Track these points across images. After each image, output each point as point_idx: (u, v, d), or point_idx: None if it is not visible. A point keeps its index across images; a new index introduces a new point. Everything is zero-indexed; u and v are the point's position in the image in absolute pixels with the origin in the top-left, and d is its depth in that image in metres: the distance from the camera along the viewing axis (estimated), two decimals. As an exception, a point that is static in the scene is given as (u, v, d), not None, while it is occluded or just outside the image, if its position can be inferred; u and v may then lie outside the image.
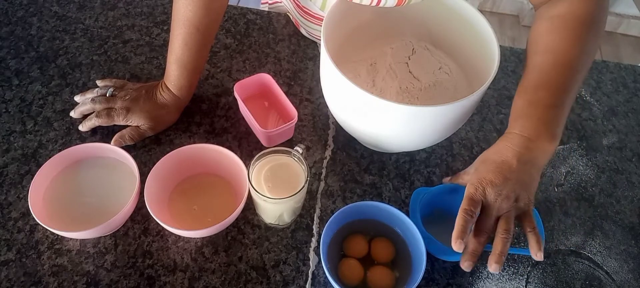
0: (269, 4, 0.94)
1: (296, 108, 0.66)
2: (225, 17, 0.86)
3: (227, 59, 0.80)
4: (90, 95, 0.68)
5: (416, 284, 0.51)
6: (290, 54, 0.81)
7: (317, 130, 0.71)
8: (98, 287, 0.54)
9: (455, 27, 0.67)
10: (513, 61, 0.86)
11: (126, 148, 0.63)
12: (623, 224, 0.66)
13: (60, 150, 0.59)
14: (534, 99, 0.54)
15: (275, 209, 0.56)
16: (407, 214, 0.57)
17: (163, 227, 0.57)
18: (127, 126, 0.66)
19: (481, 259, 0.53)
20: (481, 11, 0.66)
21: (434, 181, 0.67)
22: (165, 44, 0.80)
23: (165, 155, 0.58)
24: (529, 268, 0.60)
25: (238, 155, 0.58)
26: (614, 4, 2.34)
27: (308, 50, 0.82)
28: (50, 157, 0.58)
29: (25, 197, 0.60)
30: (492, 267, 0.49)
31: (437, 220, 0.61)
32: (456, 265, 0.59)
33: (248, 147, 0.68)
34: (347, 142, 0.70)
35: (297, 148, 0.56)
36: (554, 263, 0.61)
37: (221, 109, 0.72)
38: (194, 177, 0.62)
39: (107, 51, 0.78)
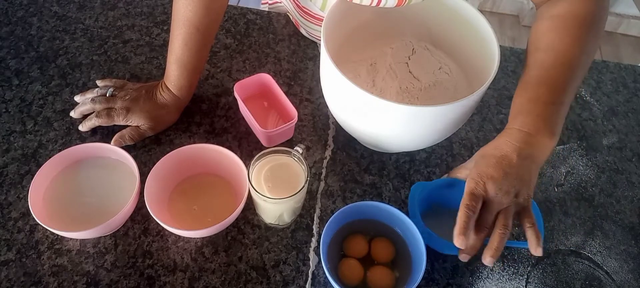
0: (269, 4, 0.94)
1: (296, 108, 0.66)
2: (225, 17, 0.86)
3: (227, 59, 0.80)
4: (90, 95, 0.68)
5: (416, 284, 0.51)
6: (290, 54, 0.81)
7: (317, 130, 0.71)
8: (98, 287, 0.54)
9: (455, 27, 0.67)
10: (513, 61, 0.86)
11: (126, 148, 0.63)
12: (623, 224, 0.66)
13: (60, 150, 0.59)
14: (534, 96, 0.54)
15: (275, 209, 0.56)
16: (407, 213, 0.57)
17: (163, 227, 0.57)
18: (127, 126, 0.66)
19: (480, 259, 0.53)
20: (481, 11, 0.66)
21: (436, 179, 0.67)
22: (165, 44, 0.80)
23: (165, 155, 0.58)
24: (529, 268, 0.60)
25: (238, 155, 0.58)
26: (614, 4, 2.34)
27: (308, 50, 0.82)
28: (50, 157, 0.58)
29: (25, 197, 0.60)
30: (487, 260, 0.50)
31: (435, 214, 0.61)
32: (456, 265, 0.60)
33: (248, 147, 0.68)
34: (347, 142, 0.70)
35: (297, 148, 0.56)
36: (554, 263, 0.61)
37: (221, 109, 0.72)
38: (194, 177, 0.62)
39: (107, 51, 0.78)
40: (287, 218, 0.59)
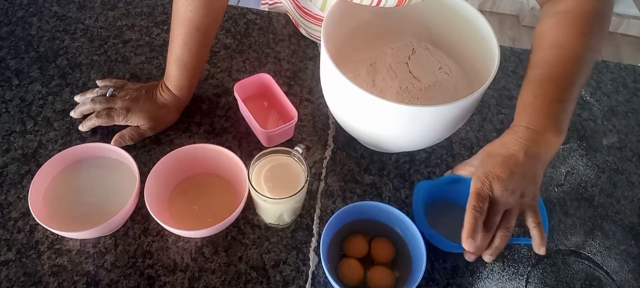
0: (269, 4, 0.94)
1: (296, 108, 0.66)
2: (225, 17, 0.86)
3: (227, 59, 0.80)
4: (90, 95, 0.68)
5: (416, 284, 0.51)
6: (290, 54, 0.81)
7: (317, 130, 0.71)
8: (98, 287, 0.54)
9: (455, 27, 0.67)
10: (513, 61, 0.86)
11: (126, 148, 0.63)
12: (623, 224, 0.66)
13: (60, 150, 0.59)
14: (539, 93, 0.53)
15: (275, 209, 0.56)
16: (408, 214, 0.57)
17: (163, 227, 0.57)
18: (127, 126, 0.66)
19: (481, 258, 0.53)
20: (481, 11, 0.66)
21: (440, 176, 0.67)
22: (165, 44, 0.80)
23: (165, 155, 0.58)
24: (529, 268, 0.60)
25: (238, 155, 0.58)
26: (614, 4, 2.34)
27: (308, 50, 0.82)
28: (50, 157, 0.58)
29: (25, 197, 0.60)
30: (486, 257, 0.51)
31: (440, 211, 0.61)
32: (456, 265, 0.59)
33: (248, 147, 0.68)
34: (347, 142, 0.70)
35: (297, 148, 0.56)
36: (554, 263, 0.61)
37: (221, 109, 0.72)
38: (194, 177, 0.62)
39: (107, 51, 0.78)
40: (287, 218, 0.59)
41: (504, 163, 0.51)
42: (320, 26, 0.60)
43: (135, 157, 0.60)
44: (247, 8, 0.89)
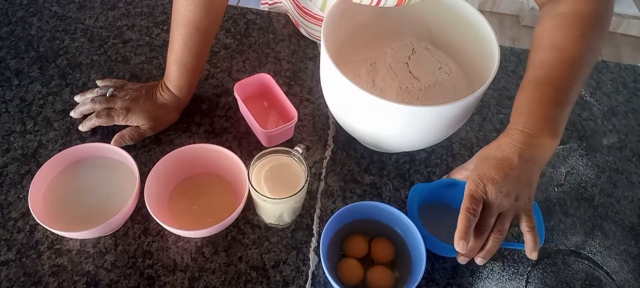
0: (269, 4, 0.94)
1: (296, 108, 0.66)
2: (225, 17, 0.86)
3: (227, 59, 0.80)
4: (90, 95, 0.68)
5: (416, 284, 0.51)
6: (290, 54, 0.81)
7: (317, 130, 0.71)
8: (98, 287, 0.54)
9: (455, 27, 0.67)
10: (513, 61, 0.86)
11: (126, 148, 0.63)
12: (623, 224, 0.66)
13: (60, 150, 0.59)
14: (536, 96, 0.53)
15: (275, 209, 0.56)
16: (407, 213, 0.57)
17: (163, 227, 0.57)
18: (127, 126, 0.66)
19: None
20: (481, 11, 0.66)
21: (434, 181, 0.67)
22: (165, 44, 0.80)
23: (165, 155, 0.58)
24: (529, 268, 0.60)
25: (238, 155, 0.58)
26: (614, 5, 2.34)
27: (308, 50, 0.82)
28: (50, 157, 0.58)
29: (25, 197, 0.60)
30: (477, 260, 0.51)
31: (436, 214, 0.61)
32: (456, 265, 0.59)
33: (248, 147, 0.68)
34: (347, 142, 0.70)
35: (297, 148, 0.56)
36: (554, 263, 0.61)
37: (221, 109, 0.72)
38: (194, 177, 0.62)
39: (107, 51, 0.78)
40: (287, 218, 0.59)
41: (498, 166, 0.51)
42: (320, 26, 0.60)
43: (135, 157, 0.60)
44: (247, 8, 0.89)
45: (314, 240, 0.60)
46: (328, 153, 0.69)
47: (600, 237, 0.64)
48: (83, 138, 0.67)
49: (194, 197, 0.60)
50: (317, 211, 0.63)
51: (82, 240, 0.57)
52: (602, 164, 0.73)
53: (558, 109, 0.53)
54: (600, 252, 0.63)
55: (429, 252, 0.54)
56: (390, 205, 0.57)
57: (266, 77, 0.70)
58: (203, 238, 0.59)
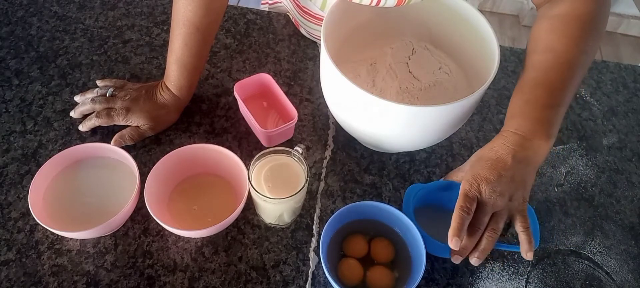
0: (269, 4, 0.94)
1: (296, 108, 0.66)
2: (225, 17, 0.86)
3: (227, 59, 0.80)
4: (90, 95, 0.68)
5: (416, 284, 0.51)
6: (290, 54, 0.81)
7: (317, 130, 0.71)
8: (98, 287, 0.54)
9: (455, 27, 0.67)
10: (513, 61, 0.86)
11: (126, 148, 0.63)
12: (623, 224, 0.66)
13: (60, 150, 0.59)
14: (531, 98, 0.54)
15: (275, 209, 0.56)
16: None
17: (163, 227, 0.57)
18: (127, 126, 0.66)
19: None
20: (481, 11, 0.66)
21: (433, 181, 0.67)
22: (165, 44, 0.80)
23: (165, 155, 0.58)
24: (529, 268, 0.60)
25: (238, 155, 0.58)
26: (614, 4, 2.34)
27: (308, 50, 0.82)
28: (50, 157, 0.58)
29: (25, 197, 0.60)
30: (472, 260, 0.51)
31: (431, 216, 0.61)
32: (456, 265, 0.59)
33: (248, 147, 0.68)
34: (347, 142, 0.70)
35: (297, 148, 0.56)
36: (554, 263, 0.61)
37: (221, 109, 0.72)
38: (194, 177, 0.62)
39: (107, 51, 0.78)
40: (287, 218, 0.59)
41: (492, 166, 0.52)
42: (320, 26, 0.60)
43: (135, 157, 0.60)
44: (247, 8, 0.89)
45: (314, 240, 0.60)
46: (328, 153, 0.69)
47: (600, 237, 0.64)
48: (83, 138, 0.67)
49: (194, 197, 0.60)
50: (317, 211, 0.63)
51: (82, 240, 0.57)
52: (602, 164, 0.73)
53: (552, 111, 0.53)
54: (600, 252, 0.63)
55: (428, 252, 0.54)
56: (390, 205, 0.57)
57: (266, 77, 0.70)
58: (203, 238, 0.59)
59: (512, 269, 0.60)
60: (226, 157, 0.59)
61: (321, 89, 0.66)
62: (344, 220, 0.58)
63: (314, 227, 0.61)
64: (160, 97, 0.67)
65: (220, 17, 0.67)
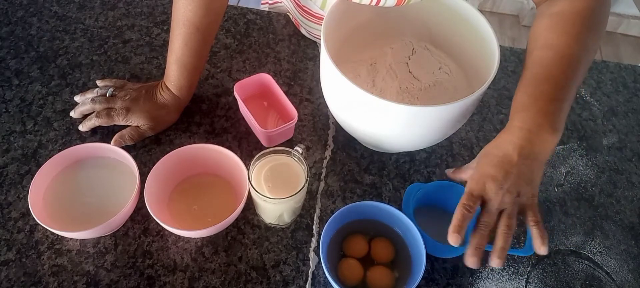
0: (269, 4, 0.94)
1: (296, 108, 0.66)
2: (225, 17, 0.86)
3: (227, 59, 0.80)
4: (90, 95, 0.68)
5: (416, 284, 0.51)
6: (290, 54, 0.81)
7: (317, 130, 0.71)
8: (98, 287, 0.54)
9: (455, 27, 0.67)
10: (513, 61, 0.86)
11: (126, 148, 0.63)
12: (623, 224, 0.66)
13: (60, 150, 0.59)
14: (534, 92, 0.53)
15: (275, 209, 0.56)
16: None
17: (163, 227, 0.57)
18: (127, 126, 0.66)
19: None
20: (481, 11, 0.66)
21: (433, 181, 0.67)
22: (165, 44, 0.80)
23: (165, 155, 0.58)
24: (529, 268, 0.60)
25: (238, 155, 0.58)
26: (614, 4, 2.34)
27: (308, 50, 0.82)
28: (50, 157, 0.58)
29: (25, 197, 0.60)
30: (494, 262, 0.49)
31: (431, 216, 0.61)
32: (456, 265, 0.60)
33: (248, 147, 0.68)
34: (347, 142, 0.70)
35: (297, 148, 0.56)
36: (554, 263, 0.61)
37: (221, 109, 0.72)
38: (194, 177, 0.62)
39: (107, 51, 0.78)
40: (287, 218, 0.59)
41: (498, 163, 0.51)
42: (321, 25, 0.60)
43: (135, 157, 0.60)
44: (247, 8, 0.89)
45: (314, 240, 0.60)
46: (328, 153, 0.69)
47: (600, 237, 0.64)
48: (83, 138, 0.67)
49: (194, 197, 0.60)
50: (317, 211, 0.63)
51: (82, 240, 0.57)
52: (602, 164, 0.73)
53: (556, 105, 0.53)
54: (600, 252, 0.63)
55: (428, 252, 0.54)
56: (390, 205, 0.57)
57: (266, 77, 0.70)
58: (203, 238, 0.59)
59: (512, 269, 0.60)
60: (226, 157, 0.59)
61: (321, 89, 0.66)
62: (344, 220, 0.58)
63: (314, 227, 0.61)
64: (160, 97, 0.67)
65: (220, 17, 0.67)
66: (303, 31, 0.84)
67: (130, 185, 0.59)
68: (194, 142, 0.66)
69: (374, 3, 0.62)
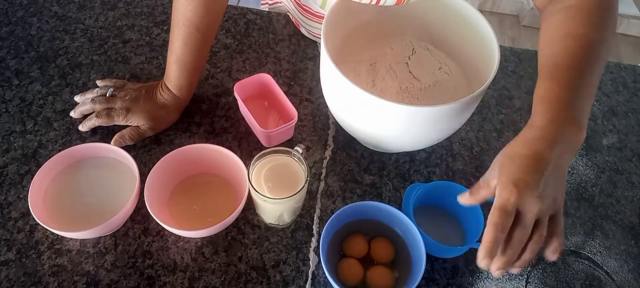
0: (269, 4, 0.94)
1: (296, 108, 0.66)
2: (225, 17, 0.86)
3: (227, 59, 0.80)
4: (90, 95, 0.68)
5: (416, 284, 0.51)
6: (290, 54, 0.81)
7: (317, 130, 0.71)
8: (98, 287, 0.54)
9: (455, 27, 0.67)
10: (513, 61, 0.86)
11: (126, 148, 0.63)
12: (623, 224, 0.66)
13: (60, 150, 0.59)
14: (556, 87, 0.48)
15: (275, 209, 0.56)
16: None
17: (163, 227, 0.57)
18: (127, 126, 0.66)
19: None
20: (481, 11, 0.66)
21: (433, 181, 0.67)
22: (165, 44, 0.80)
23: (165, 155, 0.58)
24: (529, 268, 0.60)
25: (238, 155, 0.58)
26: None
27: (308, 50, 0.82)
28: (50, 157, 0.58)
29: (25, 197, 0.60)
30: (514, 270, 0.45)
31: (431, 216, 0.61)
32: (456, 265, 0.59)
33: (248, 147, 0.68)
34: (347, 142, 0.70)
35: (297, 148, 0.56)
36: (554, 263, 0.61)
37: (221, 109, 0.72)
38: (194, 177, 0.62)
39: (107, 51, 0.78)
40: (287, 218, 0.59)
41: (532, 167, 0.43)
42: (321, 24, 0.59)
43: (135, 157, 0.60)
44: (247, 8, 0.89)
45: (314, 240, 0.60)
46: (328, 153, 0.69)
47: (600, 237, 0.64)
48: (83, 138, 0.67)
49: (194, 197, 0.60)
50: (317, 211, 0.63)
51: (82, 240, 0.57)
52: (602, 164, 0.73)
53: (582, 97, 0.48)
54: (600, 252, 0.63)
55: (428, 252, 0.54)
56: (390, 205, 0.57)
57: (266, 77, 0.70)
58: (203, 238, 0.59)
59: (512, 269, 0.60)
60: (226, 157, 0.59)
61: (321, 89, 0.66)
62: (344, 220, 0.58)
63: (314, 227, 0.61)
64: (160, 97, 0.67)
65: (220, 17, 0.67)
66: (303, 31, 0.84)
67: (130, 185, 0.59)
68: (194, 142, 0.66)
69: (374, 2, 0.62)
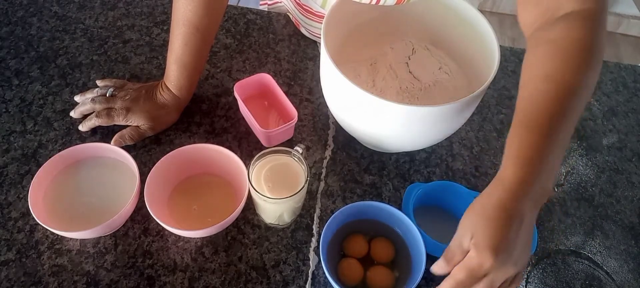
0: (268, 5, 0.94)
1: (296, 108, 0.66)
2: (225, 17, 0.86)
3: (227, 59, 0.80)
4: (90, 95, 0.68)
5: (416, 284, 0.51)
6: (290, 54, 0.81)
7: (317, 130, 0.71)
8: (98, 287, 0.54)
9: (455, 27, 0.67)
10: (513, 61, 0.86)
11: (126, 148, 0.63)
12: (623, 224, 0.66)
13: (60, 150, 0.59)
14: (534, 135, 0.46)
15: (275, 209, 0.56)
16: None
17: (163, 227, 0.57)
18: (127, 126, 0.66)
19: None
20: (481, 11, 0.66)
21: (433, 181, 0.67)
22: (165, 44, 0.80)
23: (165, 155, 0.58)
24: (528, 268, 0.60)
25: (238, 155, 0.58)
26: (614, 4, 2.35)
27: (308, 50, 0.82)
28: (50, 157, 0.58)
29: (25, 197, 0.60)
30: None
31: (431, 216, 0.61)
32: (456, 265, 0.59)
33: (248, 147, 0.68)
34: (347, 142, 0.70)
35: (297, 148, 0.56)
36: (554, 263, 0.61)
37: (221, 109, 0.72)
38: (194, 177, 0.62)
39: (107, 51, 0.78)
40: (287, 218, 0.59)
41: (508, 227, 0.42)
42: (321, 23, 0.60)
43: (135, 157, 0.59)
44: (247, 8, 0.89)
45: (314, 240, 0.60)
46: (328, 153, 0.69)
47: (600, 237, 0.64)
48: (83, 138, 0.67)
49: (194, 197, 0.60)
50: (317, 211, 0.63)
51: (82, 240, 0.57)
52: (602, 164, 0.73)
53: (554, 151, 0.46)
54: (600, 252, 0.63)
55: (428, 252, 0.54)
56: (390, 205, 0.57)
57: (266, 77, 0.70)
58: (203, 238, 0.59)
59: (512, 269, 0.60)
60: (226, 157, 0.59)
61: (321, 89, 0.66)
62: (344, 220, 0.58)
63: (314, 227, 0.61)
64: (160, 97, 0.67)
65: (220, 17, 0.67)
66: (303, 31, 0.84)
67: (130, 185, 0.59)
68: (194, 142, 0.66)
69: (374, 2, 0.62)
